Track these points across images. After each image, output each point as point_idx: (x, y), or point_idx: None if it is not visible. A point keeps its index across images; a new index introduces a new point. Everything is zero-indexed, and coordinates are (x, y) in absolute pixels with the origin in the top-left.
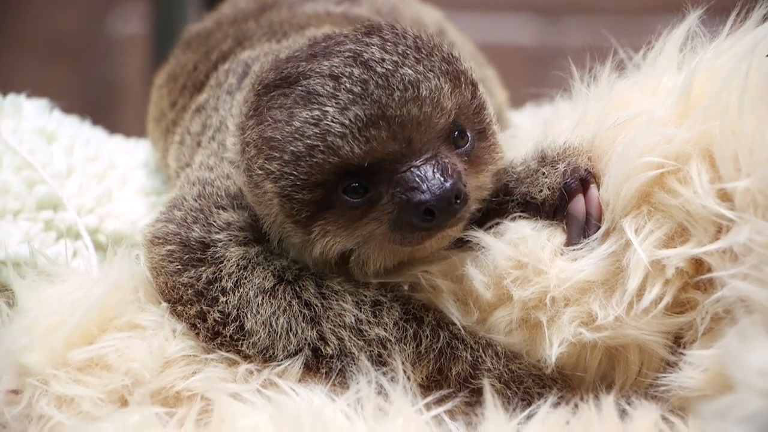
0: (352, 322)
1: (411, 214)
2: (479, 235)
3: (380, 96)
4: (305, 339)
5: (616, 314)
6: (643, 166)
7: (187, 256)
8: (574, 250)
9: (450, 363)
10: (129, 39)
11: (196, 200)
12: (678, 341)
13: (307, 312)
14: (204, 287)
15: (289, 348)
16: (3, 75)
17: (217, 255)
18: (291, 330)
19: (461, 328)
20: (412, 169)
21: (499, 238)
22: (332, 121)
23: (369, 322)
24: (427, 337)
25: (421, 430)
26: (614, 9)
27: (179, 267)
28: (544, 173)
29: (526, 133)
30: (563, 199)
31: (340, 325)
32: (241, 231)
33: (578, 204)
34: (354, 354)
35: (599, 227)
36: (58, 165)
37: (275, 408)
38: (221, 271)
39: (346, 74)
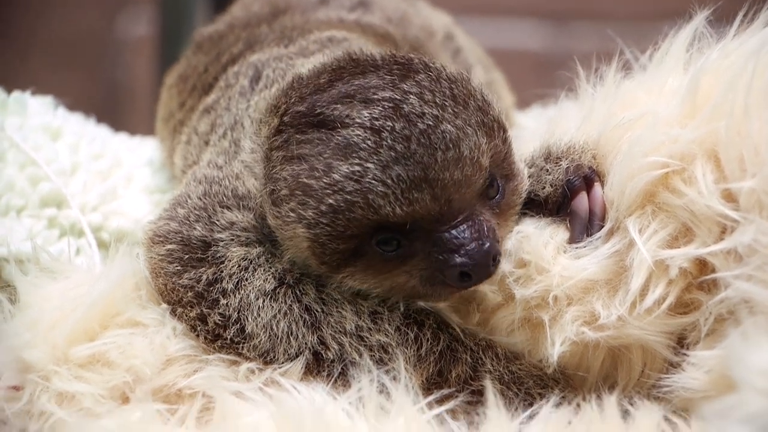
0: (352, 329)
1: (447, 276)
2: None
3: (422, 156)
4: (306, 343)
5: (619, 314)
6: (648, 166)
7: (187, 255)
8: (577, 248)
9: (450, 365)
10: (138, 41)
11: (200, 198)
12: (681, 342)
13: (307, 317)
14: (204, 289)
15: (289, 352)
16: (12, 76)
17: (219, 255)
18: (292, 334)
19: (461, 331)
20: (450, 230)
21: None
22: (374, 179)
23: (369, 328)
24: (428, 340)
25: (423, 429)
26: (624, 14)
27: (179, 268)
28: (547, 170)
29: (529, 134)
30: (566, 196)
31: (340, 331)
32: (244, 231)
33: (581, 201)
34: (355, 359)
35: (602, 226)
36: (63, 162)
37: (277, 406)
38: (222, 271)
39: (388, 129)
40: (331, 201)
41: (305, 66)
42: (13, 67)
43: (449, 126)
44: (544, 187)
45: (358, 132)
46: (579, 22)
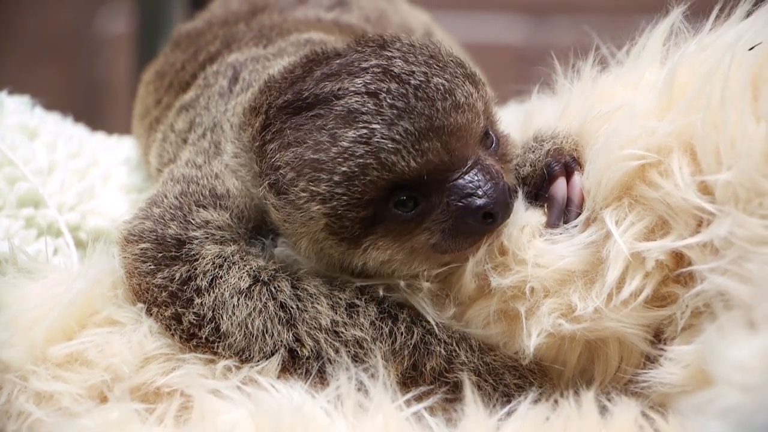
0: (327, 324)
1: (471, 220)
2: None
3: (423, 108)
4: (281, 341)
5: (596, 305)
6: (624, 158)
7: (161, 254)
8: (552, 233)
9: (424, 358)
10: (117, 38)
11: (177, 198)
12: (659, 336)
13: (282, 314)
14: (178, 288)
15: (264, 350)
16: None
17: (192, 252)
18: (267, 332)
19: (435, 324)
20: (464, 176)
21: None
22: (383, 138)
23: (345, 323)
24: (402, 333)
25: (401, 426)
26: (603, 8)
27: (152, 267)
28: (531, 148)
29: (505, 128)
30: (545, 180)
31: (315, 327)
32: (219, 230)
33: (559, 186)
34: (331, 355)
35: (579, 214)
36: (40, 162)
37: (255, 404)
38: (196, 269)
39: (384, 90)
40: (344, 168)
41: (276, 67)
42: None
43: (439, 79)
44: (525, 165)
45: (356, 98)
46: (558, 15)
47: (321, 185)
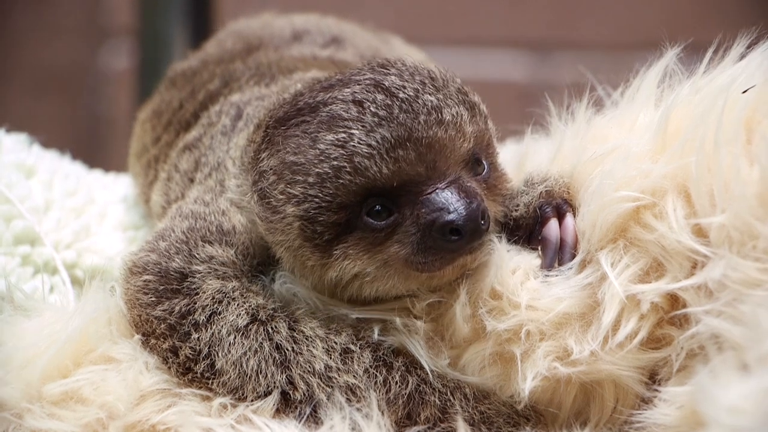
0: (321, 369)
1: (437, 235)
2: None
3: (405, 119)
4: (274, 382)
5: (592, 348)
6: (619, 200)
7: (162, 287)
8: (548, 275)
9: (419, 407)
10: (118, 74)
11: (184, 233)
12: (653, 378)
13: (277, 355)
14: (177, 321)
15: (258, 390)
16: None
17: (194, 286)
18: (261, 372)
19: (429, 372)
20: (437, 191)
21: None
22: (359, 143)
23: (338, 369)
24: (396, 383)
25: None
26: (606, 44)
27: (153, 299)
28: (523, 191)
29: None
30: (537, 222)
31: (309, 372)
32: (222, 266)
33: (552, 228)
34: (323, 400)
35: (574, 255)
36: (36, 199)
37: None
38: (195, 303)
39: (370, 99)
40: (317, 170)
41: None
42: None
43: (430, 97)
44: (518, 207)
45: (342, 105)
46: (561, 51)
47: (296, 187)
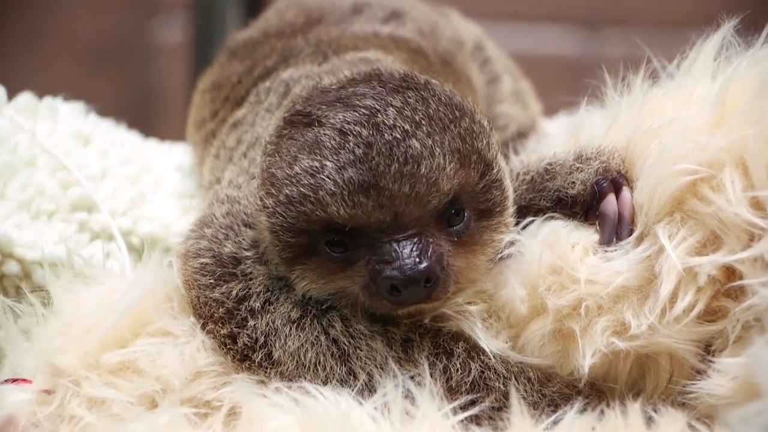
0: (383, 360)
1: (378, 286)
2: (515, 236)
3: (378, 164)
4: (334, 374)
5: (649, 322)
6: (677, 173)
7: (220, 270)
8: (606, 250)
9: (483, 393)
10: (171, 46)
11: (224, 217)
12: (707, 349)
13: (335, 349)
14: (234, 305)
15: (316, 381)
16: (44, 80)
17: (248, 271)
18: (320, 364)
19: (492, 357)
20: (392, 242)
21: (533, 238)
22: (327, 177)
23: (400, 359)
24: (458, 371)
25: None
26: (655, 20)
27: (212, 281)
28: (578, 168)
29: (552, 140)
30: (594, 198)
31: (370, 364)
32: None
33: (610, 203)
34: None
35: (632, 230)
36: (93, 167)
37: (303, 410)
38: (250, 288)
39: (354, 133)
40: (287, 191)
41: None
42: (44, 70)
43: (416, 142)
44: (574, 184)
45: (328, 132)
46: (611, 27)
47: (270, 199)
